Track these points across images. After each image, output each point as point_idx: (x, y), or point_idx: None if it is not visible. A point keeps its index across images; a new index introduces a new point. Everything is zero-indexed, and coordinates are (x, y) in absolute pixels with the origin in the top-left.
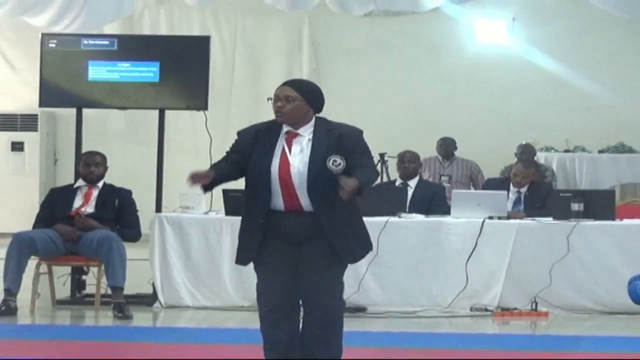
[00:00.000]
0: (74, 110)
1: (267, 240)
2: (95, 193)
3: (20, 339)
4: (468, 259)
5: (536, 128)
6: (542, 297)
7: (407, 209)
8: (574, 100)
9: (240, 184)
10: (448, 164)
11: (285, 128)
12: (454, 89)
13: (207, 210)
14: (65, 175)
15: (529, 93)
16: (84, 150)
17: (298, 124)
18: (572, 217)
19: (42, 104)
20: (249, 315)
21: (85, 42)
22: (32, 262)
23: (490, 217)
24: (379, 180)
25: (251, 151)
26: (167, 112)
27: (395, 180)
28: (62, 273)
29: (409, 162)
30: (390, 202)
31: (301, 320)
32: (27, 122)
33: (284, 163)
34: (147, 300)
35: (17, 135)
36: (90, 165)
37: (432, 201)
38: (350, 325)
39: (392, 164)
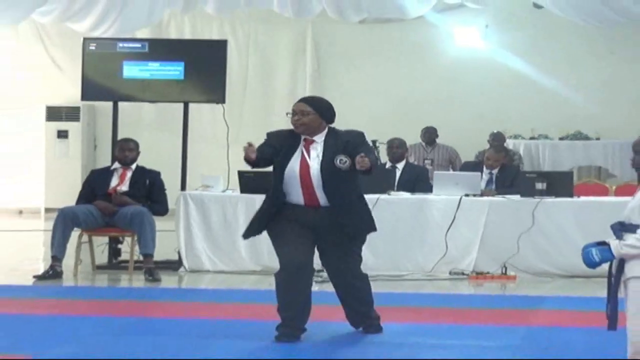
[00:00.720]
0: (110, 103)
1: (289, 219)
2: (129, 174)
3: (65, 299)
4: (447, 231)
5: (505, 119)
6: (510, 263)
7: (395, 188)
8: (538, 95)
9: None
10: (430, 150)
11: (303, 136)
12: (436, 86)
13: (224, 189)
14: (104, 159)
15: (500, 89)
16: (119, 137)
17: (313, 133)
18: (536, 194)
19: (83, 98)
20: (260, 279)
21: (121, 45)
22: (75, 233)
23: (467, 195)
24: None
25: (275, 152)
26: (190, 105)
27: (385, 163)
28: (101, 242)
29: (397, 148)
30: (381, 182)
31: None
32: (71, 113)
33: (304, 165)
34: (174, 265)
35: (63, 125)
36: (125, 150)
37: (417, 181)
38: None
39: (383, 150)
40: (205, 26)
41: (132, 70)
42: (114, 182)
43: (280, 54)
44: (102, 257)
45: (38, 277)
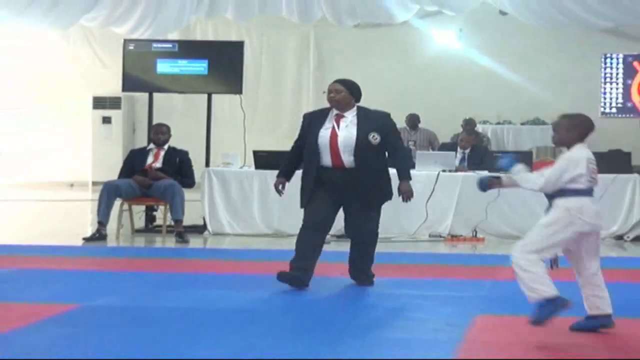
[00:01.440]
0: (146, 94)
1: (319, 187)
2: (162, 153)
3: (108, 257)
4: (427, 200)
5: (476, 107)
6: (480, 227)
7: None
8: (503, 87)
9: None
10: (414, 133)
11: (334, 112)
12: (418, 79)
13: (241, 166)
14: (141, 141)
15: (471, 82)
16: (154, 122)
17: (344, 109)
18: (501, 170)
19: (124, 89)
20: (272, 240)
21: (155, 45)
22: (117, 203)
23: (444, 171)
24: None
25: (308, 128)
26: (213, 96)
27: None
28: (138, 210)
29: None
30: None
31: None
32: (114, 103)
33: (334, 135)
34: (199, 229)
35: (107, 112)
36: (159, 133)
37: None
38: (343, 247)
39: None
40: (225, 30)
41: (164, 67)
42: (150, 160)
43: (287, 52)
44: (140, 223)
45: (86, 239)
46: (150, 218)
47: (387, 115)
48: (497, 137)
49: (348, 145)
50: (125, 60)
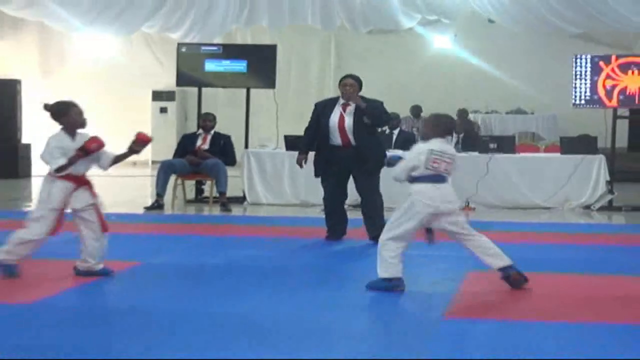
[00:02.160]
0: (196, 88)
1: (331, 165)
2: (209, 137)
3: (165, 223)
4: None
5: (468, 99)
6: (472, 199)
7: (392, 147)
8: (491, 82)
9: (294, 131)
10: (417, 121)
11: (341, 101)
12: (421, 76)
13: (274, 147)
14: (192, 127)
15: (464, 78)
16: (202, 112)
17: (353, 98)
18: (489, 151)
19: (178, 84)
20: (300, 209)
21: (203, 48)
22: (172, 178)
23: None
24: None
25: (321, 113)
26: (251, 90)
27: (385, 130)
28: (190, 184)
29: (393, 120)
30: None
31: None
32: (169, 95)
33: (341, 119)
34: (240, 200)
35: (163, 104)
36: (207, 120)
37: (407, 142)
38: (354, 215)
39: None
40: (261, 35)
41: (211, 66)
42: (199, 142)
43: (312, 54)
44: (191, 194)
45: (147, 208)
46: (199, 191)
47: (380, 102)
48: (485, 124)
49: (352, 127)
50: (179, 60)
